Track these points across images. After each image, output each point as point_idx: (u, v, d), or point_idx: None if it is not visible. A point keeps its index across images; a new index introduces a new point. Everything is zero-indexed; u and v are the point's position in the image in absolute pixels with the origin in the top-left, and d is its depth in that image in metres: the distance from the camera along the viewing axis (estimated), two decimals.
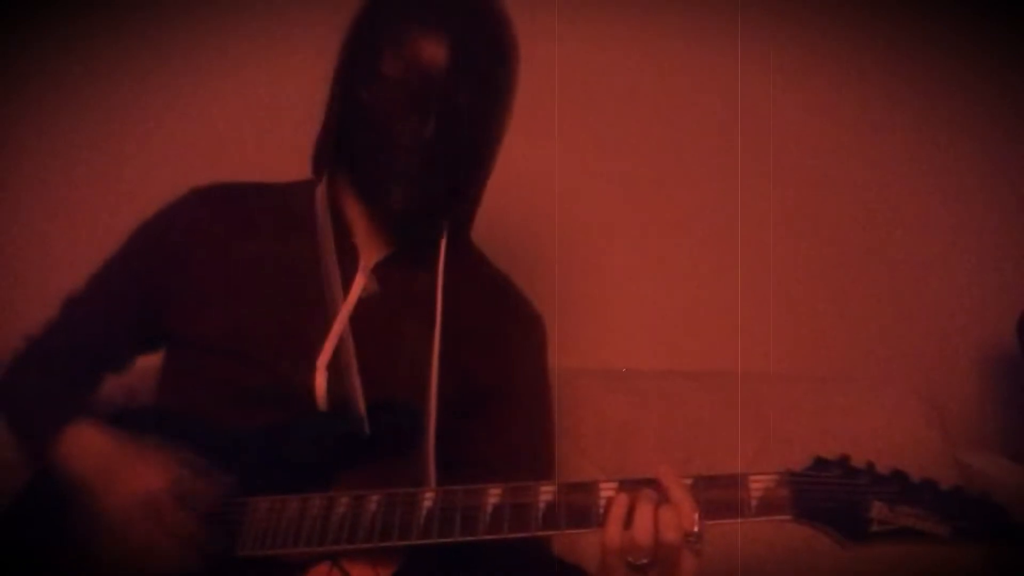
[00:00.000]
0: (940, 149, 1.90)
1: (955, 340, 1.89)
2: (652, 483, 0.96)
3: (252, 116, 1.52)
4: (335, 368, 1.16)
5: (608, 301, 1.83)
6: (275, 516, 1.07)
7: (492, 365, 1.24)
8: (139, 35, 1.68)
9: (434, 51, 1.10)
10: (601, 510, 0.98)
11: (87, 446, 1.11)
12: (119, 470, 1.07)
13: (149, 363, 1.26)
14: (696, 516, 0.93)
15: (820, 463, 0.95)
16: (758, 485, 0.95)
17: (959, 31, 1.85)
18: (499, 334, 1.27)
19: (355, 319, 1.18)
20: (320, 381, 1.15)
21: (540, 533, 0.99)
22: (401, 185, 1.14)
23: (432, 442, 1.15)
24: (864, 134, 1.89)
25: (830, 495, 0.93)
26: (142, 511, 1.04)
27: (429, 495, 1.03)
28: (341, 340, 1.17)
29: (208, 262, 1.20)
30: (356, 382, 1.15)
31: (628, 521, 0.94)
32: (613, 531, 0.95)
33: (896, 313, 1.89)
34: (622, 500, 0.95)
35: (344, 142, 1.18)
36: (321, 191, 1.21)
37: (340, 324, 1.17)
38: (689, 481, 0.96)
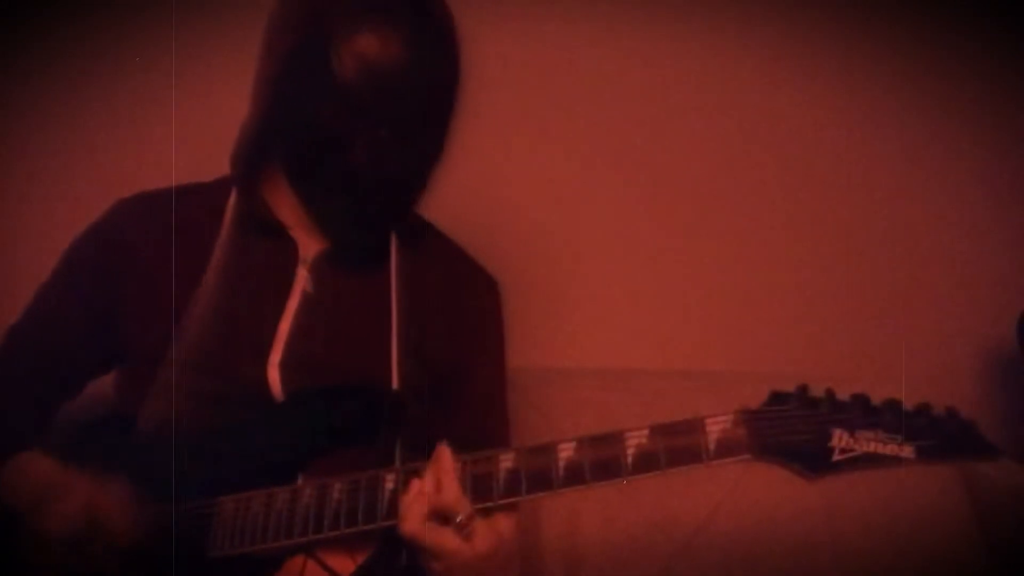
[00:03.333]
0: (940, 148, 1.87)
1: (955, 340, 1.84)
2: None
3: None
4: (288, 363, 1.15)
5: (608, 301, 1.80)
6: (242, 514, 1.06)
7: (450, 342, 1.23)
8: (140, 35, 1.68)
9: (387, 54, 1.08)
10: (560, 472, 0.96)
11: (25, 476, 1.09)
12: (58, 497, 1.04)
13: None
14: (460, 503, 0.95)
15: (776, 397, 0.92)
16: (715, 427, 0.92)
17: (959, 30, 1.84)
18: (455, 308, 1.25)
19: (304, 312, 1.18)
20: (274, 378, 1.14)
21: (503, 501, 0.97)
22: (351, 190, 1.13)
23: (401, 428, 1.14)
24: (865, 134, 1.87)
25: (788, 428, 0.90)
26: (81, 533, 1.02)
27: (390, 476, 1.02)
28: (292, 334, 1.16)
29: (145, 272, 1.19)
30: (310, 375, 1.14)
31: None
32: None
33: (896, 313, 1.85)
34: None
35: (279, 143, 1.17)
36: (234, 195, 1.20)
37: (287, 320, 1.17)
38: (646, 431, 0.94)
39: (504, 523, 1.01)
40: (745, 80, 1.82)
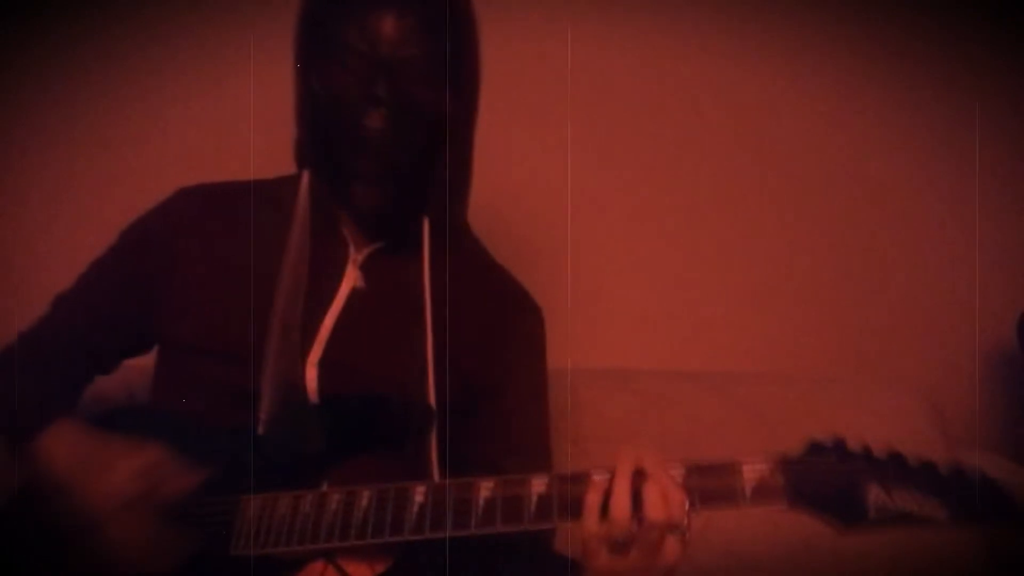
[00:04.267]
0: (940, 148, 1.88)
1: (955, 340, 1.87)
2: (640, 472, 0.94)
3: (253, 115, 1.52)
4: (327, 363, 1.15)
5: (609, 301, 1.82)
6: (267, 514, 1.06)
7: (488, 360, 1.22)
8: (139, 34, 1.68)
9: (384, 38, 1.08)
10: None
11: (64, 446, 1.09)
12: (92, 471, 1.05)
13: (147, 362, 1.25)
14: (685, 503, 0.92)
15: (815, 448, 0.93)
16: (752, 474, 0.93)
17: (958, 30, 1.85)
18: (495, 328, 1.25)
19: (348, 312, 1.17)
20: (311, 377, 1.14)
21: (532, 527, 0.97)
22: (360, 181, 1.13)
23: (434, 439, 1.13)
24: (866, 135, 1.88)
25: (825, 481, 0.91)
26: (113, 511, 1.03)
27: (420, 490, 1.02)
28: (333, 335, 1.16)
29: (196, 262, 1.19)
30: (347, 377, 1.14)
31: (607, 500, 0.92)
32: (592, 511, 0.93)
33: (896, 313, 1.87)
34: (601, 483, 0.94)
35: (312, 137, 1.16)
36: (304, 186, 1.19)
37: (330, 319, 1.16)
38: (681, 470, 0.95)
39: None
40: (752, 88, 1.82)
